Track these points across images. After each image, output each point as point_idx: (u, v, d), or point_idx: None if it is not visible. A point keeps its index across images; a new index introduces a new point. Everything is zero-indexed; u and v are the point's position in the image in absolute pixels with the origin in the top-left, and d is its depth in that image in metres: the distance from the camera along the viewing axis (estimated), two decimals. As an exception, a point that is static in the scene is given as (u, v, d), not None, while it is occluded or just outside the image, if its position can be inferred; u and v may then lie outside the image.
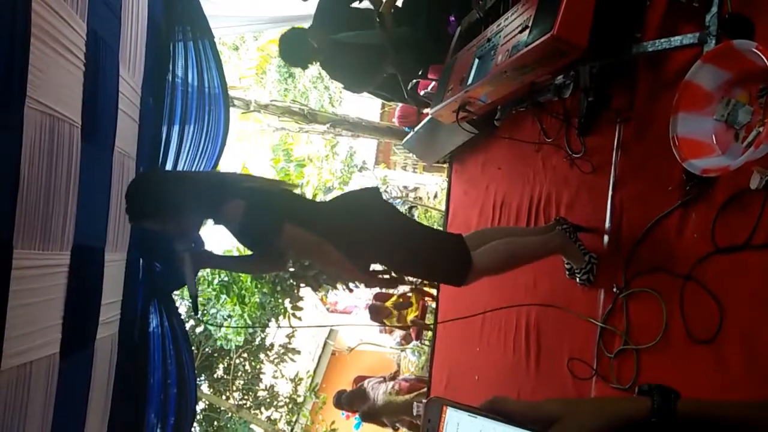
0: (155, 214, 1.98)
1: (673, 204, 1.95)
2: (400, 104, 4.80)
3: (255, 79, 10.19)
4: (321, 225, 1.99)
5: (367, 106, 9.51)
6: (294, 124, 6.22)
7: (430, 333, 5.69)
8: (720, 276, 1.76)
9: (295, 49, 3.26)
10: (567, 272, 2.44)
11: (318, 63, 3.39)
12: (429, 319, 5.88)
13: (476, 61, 2.11)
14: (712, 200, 1.80)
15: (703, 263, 1.80)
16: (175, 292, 3.61)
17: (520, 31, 1.76)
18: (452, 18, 2.92)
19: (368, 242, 2.08)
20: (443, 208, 5.24)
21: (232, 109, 4.70)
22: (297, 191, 2.41)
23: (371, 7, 2.88)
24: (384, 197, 2.24)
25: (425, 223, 7.60)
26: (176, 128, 3.51)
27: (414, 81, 3.15)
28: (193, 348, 5.67)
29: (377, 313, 5.94)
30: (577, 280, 2.36)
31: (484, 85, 2.01)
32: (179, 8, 3.47)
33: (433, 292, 5.39)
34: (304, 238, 1.96)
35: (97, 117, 2.30)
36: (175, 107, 3.59)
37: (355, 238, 2.05)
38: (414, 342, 7.06)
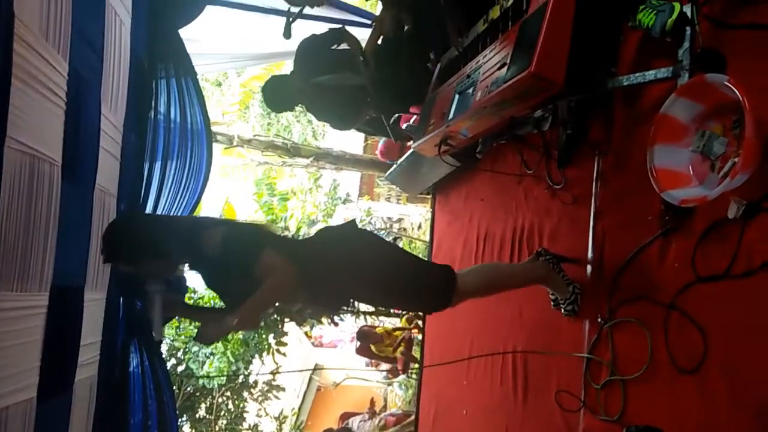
0: (130, 257, 1.97)
1: (653, 234, 1.97)
2: (383, 138, 4.84)
3: (238, 114, 10.24)
4: (301, 257, 1.98)
5: (350, 139, 9.57)
6: (277, 158, 6.23)
7: (417, 366, 5.63)
8: (702, 305, 1.77)
9: (279, 96, 3.29)
10: (552, 303, 2.44)
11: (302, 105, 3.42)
12: (416, 352, 5.83)
13: (457, 96, 2.15)
14: (692, 230, 1.83)
15: (685, 292, 1.82)
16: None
17: (499, 68, 1.80)
18: (432, 54, 2.98)
19: (349, 273, 2.07)
20: (427, 238, 5.25)
21: (215, 145, 4.71)
22: (277, 230, 2.41)
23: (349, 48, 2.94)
24: (360, 226, 2.24)
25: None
26: (158, 164, 3.50)
27: (396, 115, 3.18)
28: (174, 387, 5.54)
29: (365, 337, 5.85)
30: (562, 311, 2.37)
31: (465, 120, 2.04)
32: (162, 47, 3.49)
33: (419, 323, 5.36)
34: (282, 268, 1.91)
35: (77, 156, 2.28)
36: (157, 144, 3.58)
37: (336, 271, 2.04)
38: (401, 376, 6.98)
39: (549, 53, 1.59)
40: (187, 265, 2.12)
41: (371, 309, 6.48)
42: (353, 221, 2.31)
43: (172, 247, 1.96)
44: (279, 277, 1.90)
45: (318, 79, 3.04)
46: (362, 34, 3.48)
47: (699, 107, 1.74)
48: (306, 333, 10.03)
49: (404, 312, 6.26)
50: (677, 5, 1.80)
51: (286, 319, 5.86)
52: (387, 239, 2.26)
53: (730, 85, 1.55)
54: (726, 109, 1.68)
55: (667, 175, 1.77)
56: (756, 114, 1.49)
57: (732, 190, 1.58)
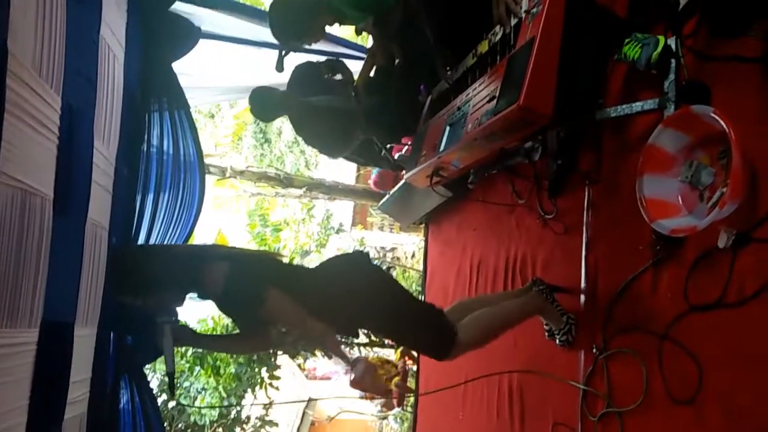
0: (139, 289, 1.95)
1: (645, 263, 1.98)
2: (377, 168, 4.86)
3: (231, 146, 10.29)
4: (305, 290, 1.96)
5: (343, 168, 9.62)
6: (270, 188, 6.24)
7: (412, 398, 5.56)
8: (696, 334, 1.77)
9: (266, 102, 3.29)
10: (546, 333, 2.43)
11: (288, 119, 3.42)
12: (411, 383, 5.76)
13: (447, 128, 2.17)
14: (683, 259, 1.83)
15: (678, 322, 1.82)
16: (147, 366, 3.50)
17: (488, 101, 1.83)
18: (422, 86, 3.02)
19: (353, 307, 2.06)
20: (421, 268, 5.23)
21: (208, 176, 4.71)
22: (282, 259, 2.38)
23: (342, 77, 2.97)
24: (371, 262, 2.23)
25: (404, 283, 7.57)
26: (151, 197, 3.50)
27: (388, 145, 3.21)
28: (165, 424, 5.44)
29: (361, 370, 5.77)
30: (557, 341, 2.35)
31: (456, 152, 2.06)
32: (155, 81, 3.52)
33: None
34: (288, 312, 1.91)
35: (69, 189, 2.28)
36: (149, 176, 3.59)
37: (338, 303, 2.03)
38: (396, 409, 6.88)
39: (537, 87, 1.61)
40: (195, 294, 2.09)
41: (365, 340, 6.42)
42: (366, 254, 2.29)
43: (180, 278, 1.93)
44: (291, 317, 1.89)
45: (308, 98, 3.04)
46: (355, 67, 3.53)
47: (686, 138, 1.77)
48: (299, 365, 9.91)
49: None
50: (662, 39, 1.84)
51: (279, 352, 5.79)
52: (394, 278, 2.24)
53: (715, 116, 1.58)
54: (712, 139, 1.70)
55: (657, 204, 1.78)
56: (742, 144, 1.51)
57: (721, 219, 1.60)
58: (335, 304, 2.01)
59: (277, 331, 2.05)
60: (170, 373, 2.12)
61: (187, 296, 2.17)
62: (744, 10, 1.69)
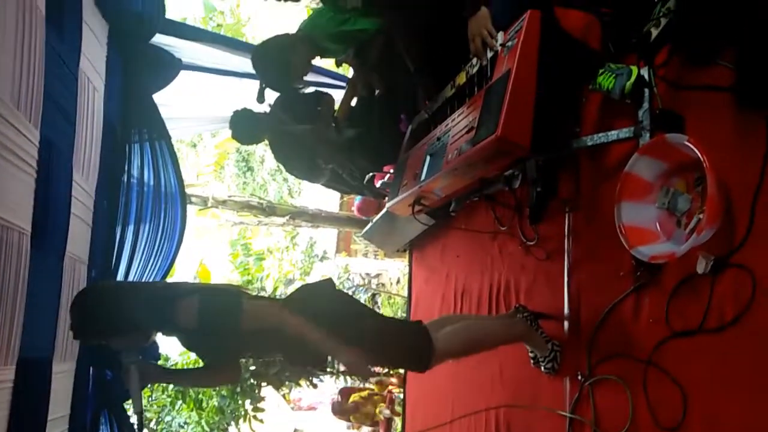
0: (101, 332, 1.92)
1: (626, 289, 1.99)
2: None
3: (213, 175, 10.26)
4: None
5: (326, 196, 9.61)
6: (253, 217, 6.21)
7: (399, 427, 5.49)
8: (680, 360, 1.77)
9: (248, 127, 3.28)
10: (532, 361, 2.42)
11: (266, 143, 3.42)
12: (398, 410, 5.69)
13: (428, 158, 2.19)
14: (663, 285, 1.85)
15: (661, 348, 1.82)
16: (128, 402, 3.42)
17: (467, 132, 1.85)
18: (403, 116, 3.05)
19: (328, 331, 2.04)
20: (406, 293, 5.21)
21: (189, 207, 4.68)
22: (252, 291, 2.38)
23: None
24: (334, 286, 2.25)
25: (389, 309, 7.53)
26: (131, 228, 3.47)
27: (370, 174, 3.22)
28: (146, 459, 5.30)
29: (341, 412, 5.70)
30: (542, 368, 2.35)
31: (437, 181, 2.07)
32: (136, 111, 3.52)
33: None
34: (267, 309, 1.97)
35: (48, 224, 2.25)
36: (130, 207, 3.56)
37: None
38: (383, 438, 6.77)
39: (514, 118, 1.64)
40: (161, 331, 2.07)
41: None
42: (330, 280, 2.30)
43: (144, 318, 1.91)
44: (271, 318, 1.92)
45: (286, 126, 3.04)
46: (337, 95, 3.56)
47: (662, 165, 1.80)
48: (284, 396, 9.75)
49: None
50: (635, 69, 1.88)
51: (264, 383, 5.70)
52: (361, 301, 2.26)
53: (689, 145, 1.61)
54: (688, 166, 1.74)
55: (636, 231, 1.81)
56: (716, 171, 1.54)
57: (699, 245, 1.62)
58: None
59: (261, 361, 2.04)
60: (138, 413, 2.09)
61: (153, 335, 2.15)
62: (713, 39, 1.74)
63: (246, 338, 1.99)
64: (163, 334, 2.08)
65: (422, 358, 2.08)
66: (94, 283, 2.87)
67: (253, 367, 5.22)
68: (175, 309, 1.88)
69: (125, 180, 3.53)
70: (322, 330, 1.92)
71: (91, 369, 2.96)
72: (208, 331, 1.92)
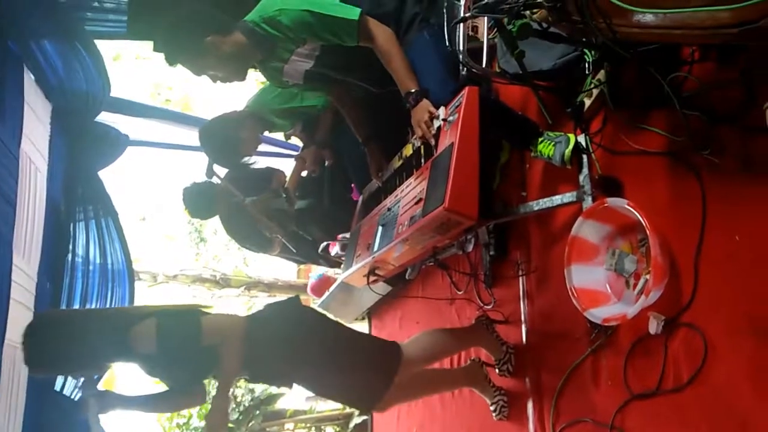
0: (54, 365, 1.87)
1: (583, 352, 1.99)
2: (319, 272, 4.80)
3: (164, 248, 10.02)
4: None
5: (283, 265, 9.47)
6: (206, 290, 6.05)
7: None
8: (642, 422, 1.75)
9: (202, 202, 3.21)
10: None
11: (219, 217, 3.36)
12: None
13: (380, 228, 2.19)
14: (619, 346, 1.85)
15: (622, 411, 1.81)
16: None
17: (416, 203, 1.86)
18: (353, 185, 3.07)
19: (293, 349, 2.05)
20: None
21: (138, 283, 4.53)
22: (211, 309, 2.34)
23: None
24: (300, 305, 2.24)
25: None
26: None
27: (324, 243, 3.19)
28: None
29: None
30: (498, 372, 2.39)
31: (390, 251, 2.07)
32: (81, 189, 3.45)
33: None
34: (226, 321, 1.99)
35: (-17, 312, 2.14)
36: (74, 287, 3.44)
37: (279, 347, 2.03)
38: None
39: (460, 189, 1.66)
40: (120, 359, 1.98)
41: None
42: (296, 298, 2.28)
43: (98, 348, 1.84)
44: (231, 341, 1.92)
45: (237, 199, 3.00)
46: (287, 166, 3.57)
47: (606, 228, 1.84)
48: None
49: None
50: (572, 137, 1.95)
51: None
52: (329, 317, 2.24)
53: (629, 208, 1.66)
54: (631, 228, 1.78)
55: (587, 294, 1.82)
56: (658, 232, 1.59)
57: (650, 306, 1.64)
58: (265, 349, 2.01)
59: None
60: None
61: (107, 364, 2.06)
62: (642, 106, 1.83)
63: (208, 356, 1.95)
64: (122, 362, 1.99)
65: (392, 362, 2.09)
66: (43, 312, 2.76)
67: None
68: (130, 336, 1.82)
69: (70, 259, 3.42)
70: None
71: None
72: (169, 353, 1.88)
